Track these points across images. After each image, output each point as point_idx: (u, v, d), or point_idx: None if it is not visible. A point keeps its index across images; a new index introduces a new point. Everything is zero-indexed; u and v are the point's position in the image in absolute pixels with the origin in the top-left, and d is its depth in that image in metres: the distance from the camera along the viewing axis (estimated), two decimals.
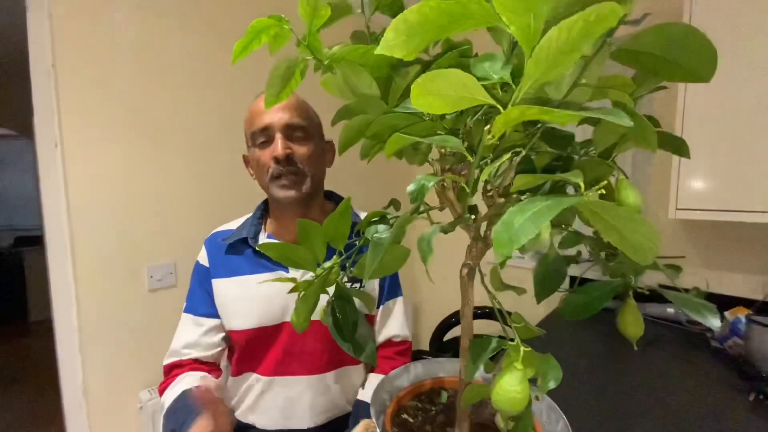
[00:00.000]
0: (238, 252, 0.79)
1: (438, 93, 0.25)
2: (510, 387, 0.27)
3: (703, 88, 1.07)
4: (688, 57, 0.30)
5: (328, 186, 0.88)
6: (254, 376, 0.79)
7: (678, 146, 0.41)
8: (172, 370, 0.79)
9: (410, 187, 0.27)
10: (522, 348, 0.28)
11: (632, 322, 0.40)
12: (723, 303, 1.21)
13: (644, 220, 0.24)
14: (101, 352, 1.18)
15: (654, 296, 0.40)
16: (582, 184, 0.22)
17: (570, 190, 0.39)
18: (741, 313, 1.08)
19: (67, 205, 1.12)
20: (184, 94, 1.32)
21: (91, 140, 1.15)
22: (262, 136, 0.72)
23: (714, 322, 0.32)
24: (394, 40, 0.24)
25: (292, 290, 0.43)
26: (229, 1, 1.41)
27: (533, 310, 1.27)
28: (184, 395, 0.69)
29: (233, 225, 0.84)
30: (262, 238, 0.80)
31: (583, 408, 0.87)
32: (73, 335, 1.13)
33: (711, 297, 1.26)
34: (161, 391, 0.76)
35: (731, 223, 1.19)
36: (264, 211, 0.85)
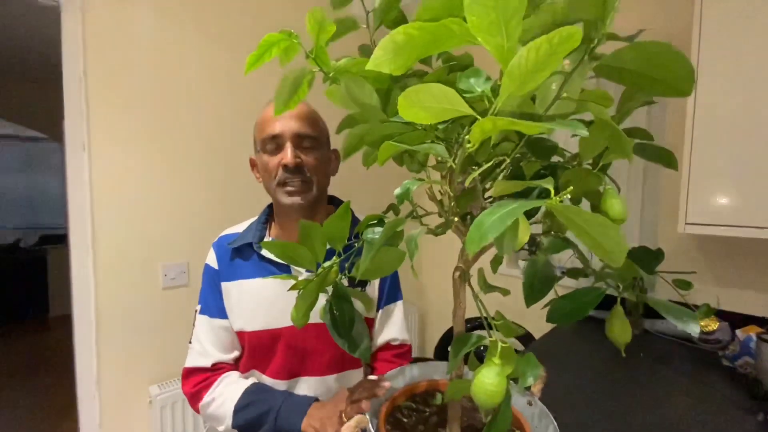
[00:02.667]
0: (244, 256, 0.81)
1: (422, 105, 0.27)
2: (486, 380, 0.28)
3: (715, 102, 1.06)
4: (666, 73, 0.32)
5: (336, 192, 0.90)
6: (255, 373, 0.81)
7: (666, 158, 0.42)
8: (195, 374, 0.79)
9: (397, 191, 0.30)
10: (500, 344, 0.30)
11: (619, 329, 0.40)
12: (736, 321, 1.18)
13: (612, 225, 0.25)
14: (115, 347, 1.23)
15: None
16: (552, 189, 0.24)
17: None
18: (753, 332, 1.05)
19: (91, 205, 1.18)
20: (199, 100, 1.39)
21: (115, 144, 1.22)
22: (271, 143, 0.74)
23: (694, 328, 0.32)
24: (382, 57, 0.26)
25: (291, 288, 0.46)
26: (246, 14, 1.48)
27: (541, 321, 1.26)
28: (257, 387, 0.74)
29: (239, 228, 0.86)
30: None
31: (585, 421, 0.86)
32: (90, 329, 1.19)
33: (722, 314, 1.23)
34: (194, 394, 0.77)
35: (744, 239, 1.16)
36: (269, 215, 0.87)
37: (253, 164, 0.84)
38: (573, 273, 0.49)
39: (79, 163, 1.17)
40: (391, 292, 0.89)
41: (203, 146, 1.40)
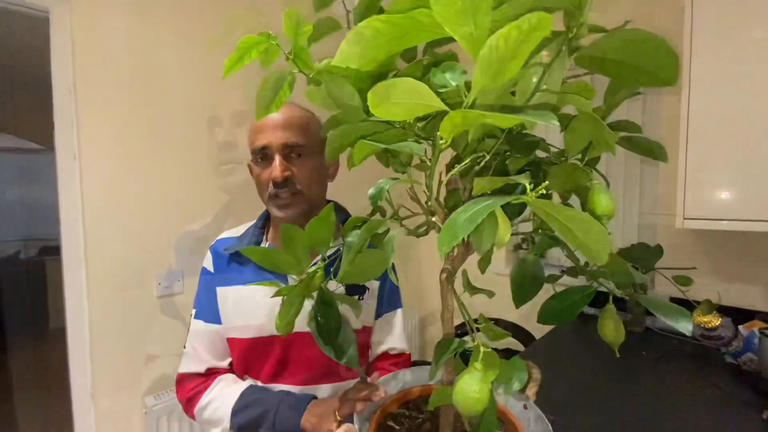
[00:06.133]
0: (241, 262, 0.79)
1: (393, 101, 0.26)
2: (468, 387, 0.27)
3: (710, 95, 1.05)
4: (649, 62, 0.31)
5: (331, 194, 0.89)
6: (249, 380, 0.79)
7: (655, 151, 0.41)
8: (188, 381, 0.78)
9: (371, 191, 0.28)
10: (482, 349, 0.28)
11: (612, 328, 0.39)
12: (738, 316, 1.16)
13: (594, 222, 0.24)
14: (109, 358, 1.22)
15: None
16: (528, 185, 0.23)
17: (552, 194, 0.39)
18: (756, 327, 1.04)
19: (83, 215, 1.17)
20: (191, 107, 1.38)
21: (106, 153, 1.22)
22: (260, 155, 0.72)
23: (686, 327, 0.31)
24: (349, 52, 0.25)
25: (275, 294, 0.44)
26: (238, 20, 1.48)
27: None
28: (254, 388, 0.74)
29: (237, 232, 0.85)
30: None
31: (588, 422, 0.84)
32: (84, 340, 1.17)
33: (724, 310, 1.21)
34: (189, 399, 0.76)
35: (745, 233, 1.15)
36: (266, 219, 0.85)
37: (251, 171, 0.81)
38: (571, 272, 0.47)
39: (71, 174, 1.16)
40: (390, 299, 0.86)
41: (195, 152, 1.39)
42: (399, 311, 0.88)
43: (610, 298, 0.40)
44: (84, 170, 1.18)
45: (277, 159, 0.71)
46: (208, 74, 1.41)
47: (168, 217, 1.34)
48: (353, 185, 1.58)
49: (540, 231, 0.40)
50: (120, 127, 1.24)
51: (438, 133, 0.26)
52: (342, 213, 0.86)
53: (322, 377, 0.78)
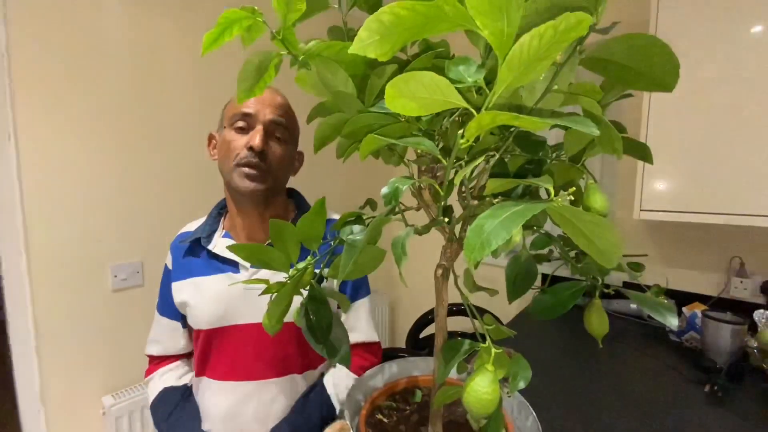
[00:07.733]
0: (195, 253, 0.79)
1: (412, 95, 0.25)
2: (481, 389, 0.27)
3: (667, 94, 1.12)
4: (652, 67, 0.32)
5: (303, 184, 0.87)
6: (205, 379, 0.77)
7: (642, 152, 0.43)
8: (149, 362, 0.86)
9: (384, 190, 0.27)
10: (493, 350, 0.29)
11: (597, 321, 0.41)
12: (681, 299, 1.28)
13: (610, 226, 0.25)
14: (60, 356, 1.12)
15: (619, 293, 0.41)
16: (552, 190, 0.23)
17: (542, 192, 0.40)
18: (698, 309, 1.15)
19: (21, 202, 1.05)
20: (153, 87, 1.25)
21: (48, 132, 1.08)
22: (242, 121, 0.71)
23: (672, 321, 0.33)
24: (368, 40, 0.23)
25: (264, 292, 0.42)
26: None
27: (505, 305, 1.30)
28: (165, 392, 0.80)
29: (195, 225, 0.83)
30: (218, 237, 0.79)
31: (550, 400, 0.90)
32: (28, 337, 1.07)
33: (670, 293, 1.32)
34: (147, 381, 0.85)
35: (690, 224, 1.25)
36: (222, 209, 0.84)
37: (211, 140, 0.80)
38: (540, 257, 0.48)
39: (5, 155, 1.03)
40: (354, 288, 0.84)
41: (155, 131, 1.27)
42: (366, 299, 0.86)
43: (597, 293, 0.42)
44: (21, 151, 1.04)
45: (261, 129, 0.70)
46: (174, 50, 1.28)
47: (125, 203, 1.22)
48: (321, 176, 1.54)
49: (534, 228, 0.41)
50: (65, 100, 1.10)
51: (460, 131, 0.25)
52: (300, 197, 0.88)
53: (272, 372, 0.75)
